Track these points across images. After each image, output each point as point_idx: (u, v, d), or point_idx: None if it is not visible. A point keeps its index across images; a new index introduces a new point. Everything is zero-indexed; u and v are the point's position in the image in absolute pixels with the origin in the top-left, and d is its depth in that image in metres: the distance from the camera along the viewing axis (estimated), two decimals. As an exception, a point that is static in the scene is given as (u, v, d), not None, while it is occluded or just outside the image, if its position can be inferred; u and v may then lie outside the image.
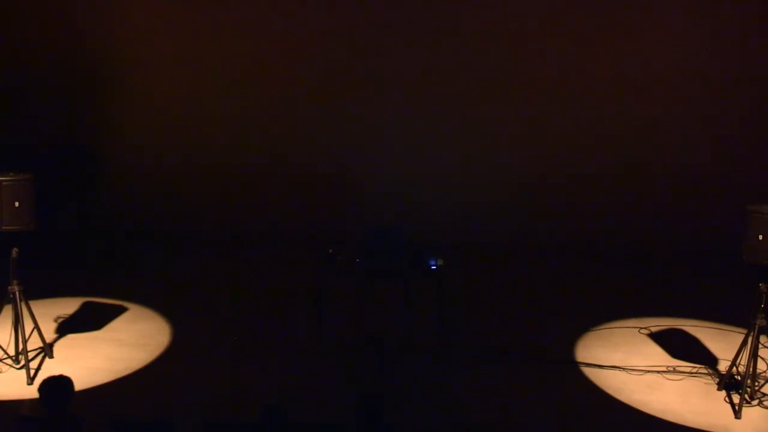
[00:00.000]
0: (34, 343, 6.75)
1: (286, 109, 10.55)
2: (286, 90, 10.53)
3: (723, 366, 6.88)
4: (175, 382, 6.66)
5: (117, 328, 7.66)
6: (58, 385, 4.49)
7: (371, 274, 7.32)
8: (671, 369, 6.94)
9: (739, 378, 6.42)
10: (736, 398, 6.31)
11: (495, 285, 9.15)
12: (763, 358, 6.62)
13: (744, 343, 6.33)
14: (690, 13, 10.01)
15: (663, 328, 7.87)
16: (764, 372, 6.69)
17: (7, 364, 6.66)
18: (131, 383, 6.59)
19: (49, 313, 7.75)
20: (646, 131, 10.25)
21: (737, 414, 6.15)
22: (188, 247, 10.22)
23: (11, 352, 6.66)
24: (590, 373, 6.91)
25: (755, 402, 6.33)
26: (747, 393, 6.28)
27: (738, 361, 6.40)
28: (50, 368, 6.59)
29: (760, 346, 6.30)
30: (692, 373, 6.87)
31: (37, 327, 6.70)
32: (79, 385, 4.72)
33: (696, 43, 10.04)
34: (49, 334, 7.25)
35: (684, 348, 7.38)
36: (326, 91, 10.46)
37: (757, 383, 6.40)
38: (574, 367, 7.03)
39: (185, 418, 5.35)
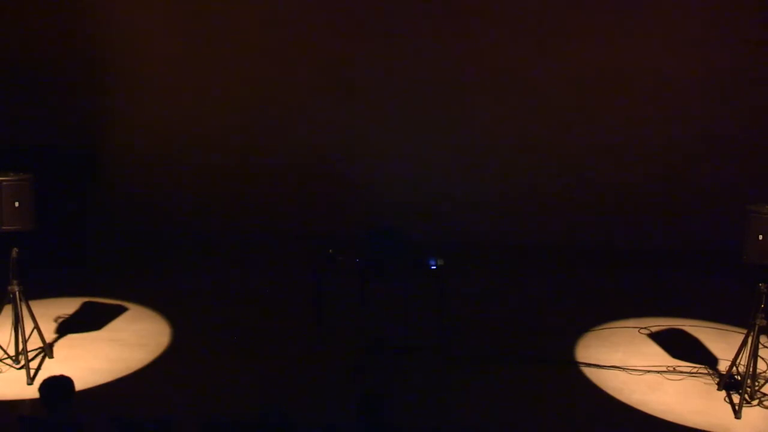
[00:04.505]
0: (34, 343, 6.75)
1: (286, 108, 10.54)
2: (286, 90, 10.52)
3: (723, 366, 6.88)
4: (175, 382, 6.66)
5: (117, 328, 7.66)
6: (58, 385, 4.49)
7: (371, 275, 7.32)
8: (671, 369, 6.94)
9: (739, 378, 6.42)
10: (736, 398, 6.31)
11: (495, 285, 9.14)
12: (763, 358, 6.62)
13: (744, 343, 6.34)
14: (690, 12, 9.99)
15: (663, 328, 7.87)
16: (764, 372, 6.70)
17: (7, 364, 6.66)
18: (131, 383, 6.59)
19: (49, 313, 7.75)
20: (646, 131, 10.23)
21: (737, 414, 6.16)
22: (188, 247, 10.21)
23: (11, 352, 6.67)
24: (590, 373, 6.91)
25: (755, 402, 6.34)
26: (747, 393, 6.28)
27: (738, 361, 6.40)
28: (50, 368, 6.59)
29: (760, 346, 6.30)
30: (692, 373, 6.88)
31: (37, 327, 6.70)
32: (79, 385, 4.72)
33: (696, 43, 10.03)
34: (49, 334, 7.25)
35: (684, 348, 7.38)
36: (326, 91, 10.45)
37: (757, 383, 6.40)
38: (574, 367, 7.03)
39: (185, 418, 5.36)
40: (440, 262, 7.27)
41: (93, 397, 6.20)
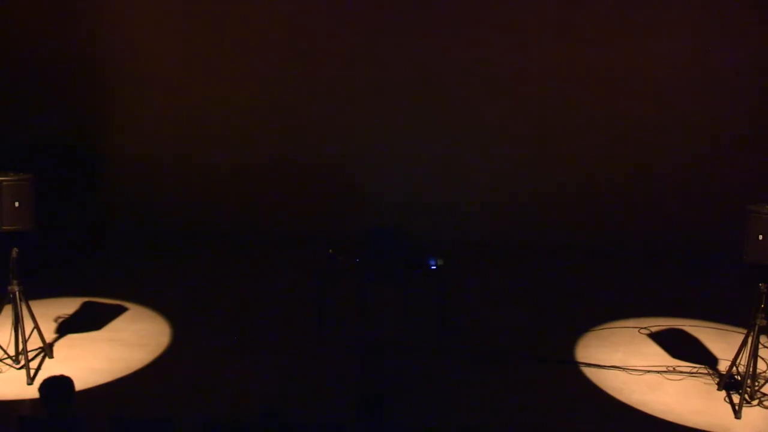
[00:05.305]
0: (34, 343, 6.75)
1: (287, 109, 10.54)
2: (287, 90, 10.52)
3: (723, 366, 6.89)
4: (175, 382, 6.66)
5: (117, 328, 7.66)
6: (58, 385, 4.49)
7: (371, 275, 7.32)
8: (671, 369, 6.94)
9: (739, 378, 6.42)
10: (736, 398, 6.31)
11: (495, 285, 9.14)
12: (763, 358, 6.62)
13: (744, 343, 6.34)
14: (691, 12, 9.99)
15: (663, 328, 7.87)
16: (764, 372, 6.70)
17: (7, 364, 6.66)
18: (131, 383, 6.59)
19: (49, 313, 7.75)
20: (646, 131, 10.23)
21: (737, 414, 6.16)
22: (189, 247, 10.21)
23: (11, 352, 6.67)
24: (590, 373, 6.91)
25: (755, 402, 6.34)
26: (747, 393, 6.28)
27: (738, 361, 6.40)
28: (50, 368, 6.59)
29: (760, 346, 6.30)
30: (692, 373, 6.88)
31: (37, 327, 6.70)
32: (79, 385, 4.72)
33: (697, 43, 10.03)
34: (49, 334, 7.25)
35: (684, 348, 7.38)
36: (327, 91, 10.46)
37: (757, 383, 6.40)
38: (574, 367, 7.03)
39: (185, 418, 5.35)
40: (440, 262, 7.27)
41: (93, 397, 6.20)
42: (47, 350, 6.88)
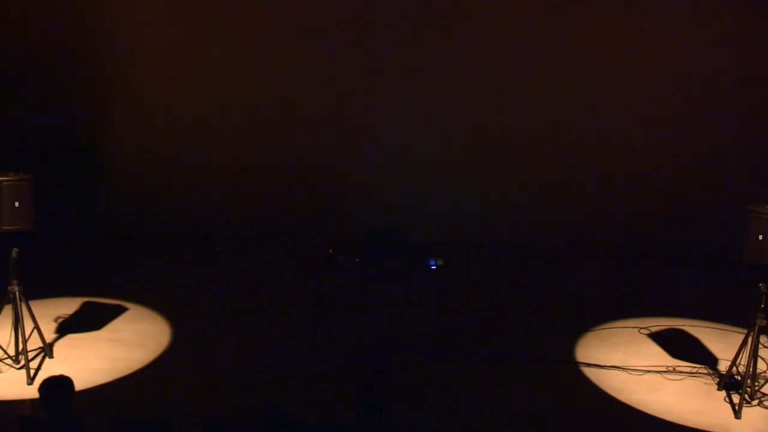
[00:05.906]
0: (34, 343, 6.75)
1: (286, 109, 10.54)
2: (286, 90, 10.52)
3: (723, 366, 6.89)
4: (175, 382, 6.66)
5: (117, 328, 7.66)
6: (58, 385, 4.49)
7: (371, 275, 7.32)
8: (671, 369, 6.94)
9: (739, 378, 6.42)
10: (736, 398, 6.31)
11: (495, 285, 9.14)
12: (763, 358, 6.62)
13: (744, 343, 6.34)
14: (689, 12, 10.00)
15: (663, 328, 7.87)
16: (764, 372, 6.70)
17: (7, 364, 6.66)
18: (131, 383, 6.59)
19: (49, 313, 7.75)
20: (646, 131, 10.24)
21: (737, 414, 6.16)
22: (188, 247, 10.21)
23: (11, 352, 6.67)
24: (590, 373, 6.91)
25: (755, 402, 6.34)
26: (747, 393, 6.28)
27: (738, 361, 6.40)
28: (50, 368, 6.59)
29: (760, 346, 6.30)
30: (692, 373, 6.88)
31: (37, 327, 6.70)
32: (79, 385, 4.72)
33: (696, 43, 10.03)
34: (49, 334, 7.25)
35: (684, 348, 7.38)
36: (326, 91, 10.46)
37: (757, 383, 6.40)
38: (574, 367, 7.03)
39: (185, 418, 5.35)
40: (440, 262, 7.26)
41: (93, 397, 6.21)
42: (47, 350, 6.88)
